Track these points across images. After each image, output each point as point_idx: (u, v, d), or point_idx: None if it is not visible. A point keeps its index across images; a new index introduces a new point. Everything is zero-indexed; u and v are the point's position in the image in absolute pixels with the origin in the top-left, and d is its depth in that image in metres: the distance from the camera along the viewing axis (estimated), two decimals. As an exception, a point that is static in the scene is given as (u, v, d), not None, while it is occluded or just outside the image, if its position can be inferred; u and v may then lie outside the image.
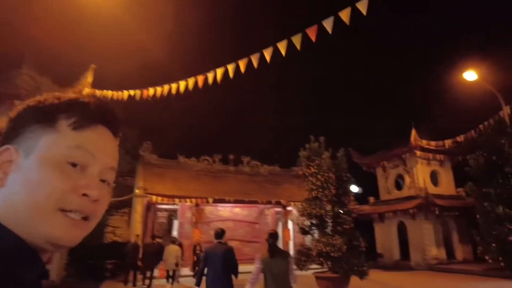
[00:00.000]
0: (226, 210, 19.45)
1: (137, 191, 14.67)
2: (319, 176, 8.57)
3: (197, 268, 10.67)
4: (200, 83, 6.59)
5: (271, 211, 20.48)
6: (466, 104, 20.56)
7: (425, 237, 15.78)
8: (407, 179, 17.84)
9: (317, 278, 8.35)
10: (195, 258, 13.73)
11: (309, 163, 8.98)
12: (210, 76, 6.44)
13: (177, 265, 10.30)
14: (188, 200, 15.62)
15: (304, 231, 8.95)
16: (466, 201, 17.04)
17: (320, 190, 8.49)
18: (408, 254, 16.84)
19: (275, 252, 3.92)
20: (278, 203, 17.65)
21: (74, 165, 0.53)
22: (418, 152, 16.98)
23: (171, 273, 10.73)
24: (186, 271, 15.39)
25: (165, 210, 19.81)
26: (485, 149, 11.74)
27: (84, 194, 0.53)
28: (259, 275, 3.96)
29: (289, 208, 18.32)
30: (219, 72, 6.28)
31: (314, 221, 8.38)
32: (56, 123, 0.55)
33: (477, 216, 13.99)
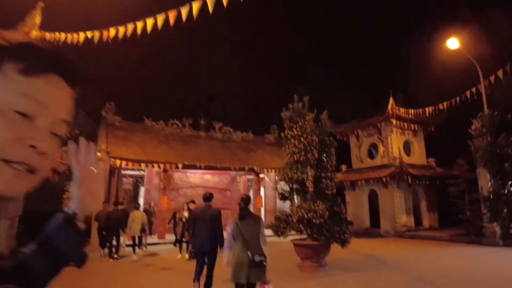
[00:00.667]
0: (196, 177, 18.63)
1: (98, 154, 13.33)
2: (302, 139, 7.88)
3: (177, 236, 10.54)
4: (171, 20, 5.46)
5: (242, 178, 19.94)
6: (445, 74, 20.55)
7: (396, 205, 15.98)
8: (381, 148, 17.79)
9: (296, 245, 7.88)
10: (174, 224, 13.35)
11: (291, 124, 8.23)
12: (183, 11, 5.32)
13: (143, 231, 10.24)
14: (155, 165, 14.57)
15: (283, 197, 8.37)
16: (436, 170, 17.38)
17: (303, 153, 7.82)
18: (378, 221, 17.10)
19: (245, 215, 3.97)
20: (251, 170, 17.06)
21: (22, 114, 0.51)
22: (394, 121, 16.84)
23: (137, 241, 10.38)
24: (153, 238, 14.67)
25: (131, 176, 18.66)
26: (501, 107, 10.86)
27: (31, 146, 0.51)
28: (232, 239, 3.97)
29: (261, 176, 17.81)
30: (195, 5, 5.18)
31: (295, 186, 7.76)
32: (2, 66, 0.51)
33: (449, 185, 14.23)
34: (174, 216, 14.71)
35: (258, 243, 3.85)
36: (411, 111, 16.03)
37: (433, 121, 17.68)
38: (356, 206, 18.43)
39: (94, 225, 11.09)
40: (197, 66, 32.72)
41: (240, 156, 18.23)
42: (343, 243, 7.57)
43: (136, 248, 10.35)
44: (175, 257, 10.24)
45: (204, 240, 5.09)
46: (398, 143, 17.35)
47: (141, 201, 18.84)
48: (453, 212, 17.28)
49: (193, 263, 5.79)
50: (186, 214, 10.22)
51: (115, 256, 10.40)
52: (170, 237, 15.26)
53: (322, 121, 8.44)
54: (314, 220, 7.34)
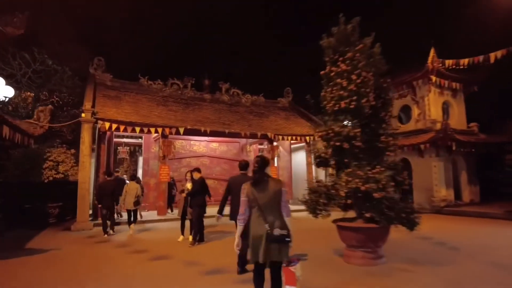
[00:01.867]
0: (201, 145, 16.37)
1: (83, 115, 11.04)
2: (353, 77, 5.43)
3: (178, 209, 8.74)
4: None
5: (253, 147, 17.65)
6: (489, 22, 17.47)
7: (434, 177, 13.67)
8: (415, 111, 15.27)
9: (343, 228, 5.64)
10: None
11: (336, 57, 5.75)
12: None
13: (137, 204, 9.31)
14: (152, 130, 12.24)
15: (322, 163, 6.03)
16: (479, 137, 14.92)
17: (354, 98, 5.40)
18: (409, 194, 14.89)
19: (262, 179, 3.24)
20: (264, 137, 14.70)
21: None
22: (434, 78, 14.19)
23: (132, 216, 9.42)
24: (152, 215, 12.60)
25: (127, 144, 16.43)
26: None
27: None
28: (247, 210, 3.25)
29: (275, 143, 15.48)
30: None
31: (343, 145, 5.39)
32: None
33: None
34: (170, 187, 12.75)
35: (278, 213, 3.18)
36: (450, 62, 13.23)
37: (477, 79, 15.02)
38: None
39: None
40: (202, 16, 29.08)
41: (251, 121, 15.83)
42: (412, 225, 5.30)
43: (133, 224, 9.39)
44: (175, 239, 8.13)
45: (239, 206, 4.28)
46: (437, 104, 14.80)
47: (139, 172, 16.76)
48: (496, 185, 15.05)
49: (197, 251, 5.66)
50: (189, 185, 8.03)
51: (110, 232, 9.21)
52: (174, 212, 13.22)
53: (375, 56, 5.93)
54: (374, 194, 5.03)
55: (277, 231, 3.03)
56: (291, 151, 17.60)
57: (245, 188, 3.28)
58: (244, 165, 5.49)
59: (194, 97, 16.28)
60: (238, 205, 3.88)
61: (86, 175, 10.81)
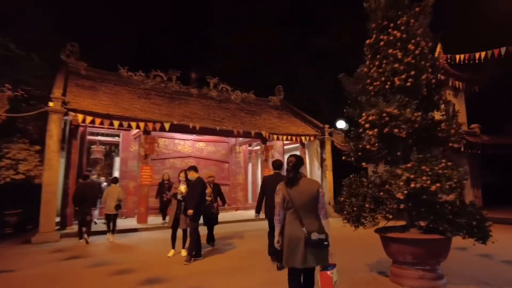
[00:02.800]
0: (186, 145, 14.82)
1: (51, 104, 9.30)
2: (410, 46, 4.26)
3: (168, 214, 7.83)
4: None
5: (243, 148, 16.29)
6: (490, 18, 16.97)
7: (439, 179, 12.84)
8: (416, 111, 14.46)
9: (393, 241, 4.41)
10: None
11: (386, 22, 4.56)
12: None
13: (118, 208, 8.71)
14: (134, 124, 10.63)
15: (362, 157, 4.79)
16: (482, 138, 14.30)
17: (412, 74, 4.23)
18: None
19: (297, 180, 3.10)
20: (257, 136, 13.38)
21: None
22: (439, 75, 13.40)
23: (111, 221, 8.74)
24: (131, 222, 10.87)
25: (103, 143, 14.62)
26: None
27: None
28: (281, 211, 3.09)
29: (270, 143, 14.20)
30: None
31: (399, 133, 4.19)
32: None
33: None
34: (160, 188, 11.16)
35: (315, 216, 3.00)
36: (462, 57, 12.47)
37: (480, 78, 14.43)
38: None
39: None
40: (189, 5, 27.32)
41: (243, 118, 14.48)
42: (484, 236, 4.13)
43: (111, 234, 8.70)
44: (164, 253, 6.61)
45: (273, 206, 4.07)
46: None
47: (116, 174, 14.96)
48: (500, 188, 14.48)
49: (197, 270, 5.15)
50: (183, 188, 6.60)
51: (86, 238, 8.17)
52: (155, 220, 11.59)
53: (424, 27, 4.79)
54: (442, 196, 3.84)
55: (315, 235, 2.87)
56: (284, 152, 16.39)
57: (280, 189, 3.14)
58: (278, 165, 5.65)
59: (180, 91, 14.75)
60: (272, 204, 4.02)
61: (53, 176, 9.05)
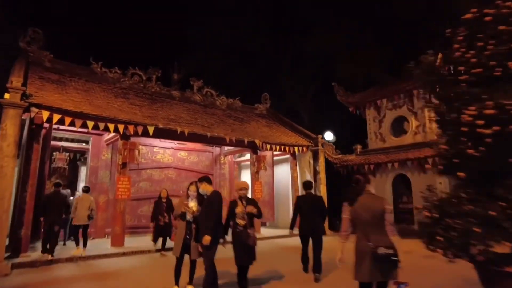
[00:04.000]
0: (166, 154, 13.09)
1: (7, 95, 7.33)
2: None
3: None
4: None
5: (228, 159, 14.82)
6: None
7: (440, 195, 12.21)
8: (413, 123, 13.95)
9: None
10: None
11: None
12: None
13: (89, 218, 8.23)
14: (111, 125, 8.85)
15: (459, 164, 3.66)
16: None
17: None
18: (406, 216, 13.32)
19: (362, 196, 3.23)
20: (250, 145, 12.03)
21: None
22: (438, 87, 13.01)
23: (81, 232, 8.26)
24: (102, 245, 8.73)
25: (67, 149, 12.48)
26: None
27: None
28: (349, 227, 3.25)
29: (263, 153, 12.89)
30: None
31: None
32: None
33: None
34: (157, 208, 8.68)
35: (382, 231, 3.05)
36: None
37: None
38: (374, 196, 14.42)
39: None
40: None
41: (233, 126, 13.08)
42: None
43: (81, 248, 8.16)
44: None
45: (309, 222, 5.85)
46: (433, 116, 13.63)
47: (80, 186, 12.78)
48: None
49: None
50: (193, 205, 5.10)
51: (49, 256, 7.50)
52: (131, 241, 9.71)
53: None
54: None
55: (382, 250, 2.90)
56: (273, 164, 15.11)
57: (347, 206, 3.26)
58: (308, 185, 6.49)
59: (161, 92, 13.07)
60: (307, 222, 5.86)
61: (7, 186, 7.03)
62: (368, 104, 15.43)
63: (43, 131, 8.91)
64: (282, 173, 15.06)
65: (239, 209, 4.72)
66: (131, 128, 9.23)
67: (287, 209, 14.43)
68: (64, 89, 9.55)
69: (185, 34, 23.57)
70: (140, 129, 9.37)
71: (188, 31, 23.31)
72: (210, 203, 4.81)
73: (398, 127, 14.86)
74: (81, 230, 8.25)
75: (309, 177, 14.29)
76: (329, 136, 17.70)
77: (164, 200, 8.71)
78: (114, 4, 23.07)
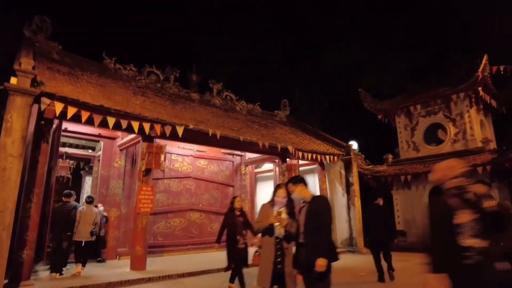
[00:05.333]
0: (185, 162, 11.66)
1: (14, 80, 5.87)
2: None
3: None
4: None
5: (249, 169, 13.43)
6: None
7: (493, 208, 11.02)
8: (451, 130, 12.89)
9: None
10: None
11: None
12: None
13: (92, 234, 7.15)
14: (135, 123, 7.40)
15: None
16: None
17: None
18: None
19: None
20: (282, 152, 10.70)
21: None
22: (481, 91, 12.07)
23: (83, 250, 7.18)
24: (119, 269, 6.95)
25: (70, 156, 10.90)
26: None
27: None
28: None
29: (293, 161, 11.54)
30: None
31: None
32: None
33: None
34: (232, 225, 5.90)
35: None
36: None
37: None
38: (409, 210, 13.17)
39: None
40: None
41: (261, 131, 11.74)
42: None
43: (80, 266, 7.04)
44: None
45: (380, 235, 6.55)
46: (477, 122, 12.63)
47: (83, 198, 11.11)
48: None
49: None
50: (284, 216, 3.67)
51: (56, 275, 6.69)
52: (151, 263, 8.11)
53: None
54: None
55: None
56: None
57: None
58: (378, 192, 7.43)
59: (179, 94, 11.71)
60: (378, 234, 6.58)
61: (10, 194, 5.46)
62: (399, 111, 14.38)
63: (54, 125, 7.38)
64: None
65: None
66: (157, 128, 7.79)
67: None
68: (78, 82, 8.11)
69: (203, 39, 22.52)
70: (168, 130, 7.94)
71: (205, 37, 22.29)
72: (316, 213, 3.44)
73: (432, 135, 13.79)
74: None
75: (340, 189, 12.96)
76: (353, 145, 16.50)
77: (238, 213, 6.02)
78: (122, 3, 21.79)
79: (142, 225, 7.80)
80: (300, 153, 11.19)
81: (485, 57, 11.66)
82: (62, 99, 6.36)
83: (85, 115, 6.66)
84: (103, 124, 7.05)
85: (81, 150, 11.23)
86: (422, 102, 13.55)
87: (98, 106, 6.81)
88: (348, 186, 12.71)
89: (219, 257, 7.38)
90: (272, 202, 3.85)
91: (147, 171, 8.08)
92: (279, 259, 3.59)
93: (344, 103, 17.94)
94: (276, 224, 3.61)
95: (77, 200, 11.75)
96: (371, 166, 14.08)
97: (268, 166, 14.66)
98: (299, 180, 3.74)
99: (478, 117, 12.95)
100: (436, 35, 16.65)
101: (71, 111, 6.46)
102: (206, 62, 19.06)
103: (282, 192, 3.81)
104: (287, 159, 11.42)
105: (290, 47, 21.41)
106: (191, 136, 8.66)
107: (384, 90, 16.66)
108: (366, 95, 14.91)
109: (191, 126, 8.33)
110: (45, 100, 6.18)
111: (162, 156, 8.17)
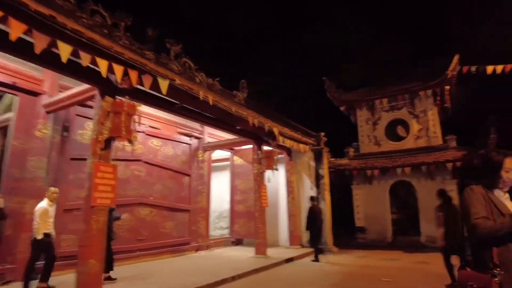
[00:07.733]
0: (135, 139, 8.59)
1: None
2: None
3: None
4: None
5: (207, 154, 11.15)
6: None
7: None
8: (415, 126, 12.88)
9: None
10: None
11: None
12: None
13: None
14: (103, 63, 4.58)
15: None
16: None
17: None
18: (411, 227, 11.99)
19: None
20: (268, 135, 8.83)
21: None
22: (448, 89, 12.28)
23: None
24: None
25: None
26: None
27: None
28: None
29: (271, 148, 9.72)
30: None
31: None
32: None
33: None
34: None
35: None
36: (491, 69, 11.46)
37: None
38: (370, 206, 12.75)
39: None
40: None
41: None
42: None
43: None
44: None
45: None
46: (437, 119, 12.86)
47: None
48: None
49: None
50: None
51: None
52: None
53: None
54: None
55: None
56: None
57: None
58: (443, 193, 5.87)
59: (130, 48, 8.63)
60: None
61: None
62: (361, 105, 13.88)
63: None
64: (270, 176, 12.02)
65: None
66: (133, 76, 5.09)
67: (275, 223, 11.43)
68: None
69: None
70: (148, 81, 5.30)
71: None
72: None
73: (393, 131, 13.67)
74: None
75: (308, 182, 11.67)
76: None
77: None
78: None
79: (98, 225, 4.94)
80: (281, 138, 9.46)
81: (456, 57, 11.86)
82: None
83: (17, 26, 3.64)
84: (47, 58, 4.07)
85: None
86: (389, 95, 13.22)
87: (46, 15, 3.85)
88: (318, 179, 11.50)
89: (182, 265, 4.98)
90: (491, 182, 2.05)
91: (108, 142, 5.23)
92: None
93: (309, 92, 16.90)
94: None
95: None
96: (332, 159, 13.22)
97: (223, 153, 12.50)
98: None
99: (438, 115, 13.25)
100: (416, 31, 16.83)
101: None
102: (167, 21, 15.66)
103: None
104: (264, 144, 9.56)
105: (258, 26, 19.45)
106: (174, 98, 6.08)
107: (351, 81, 16.10)
108: (330, 84, 14.04)
109: (177, 82, 5.80)
110: None
111: (136, 118, 5.42)
